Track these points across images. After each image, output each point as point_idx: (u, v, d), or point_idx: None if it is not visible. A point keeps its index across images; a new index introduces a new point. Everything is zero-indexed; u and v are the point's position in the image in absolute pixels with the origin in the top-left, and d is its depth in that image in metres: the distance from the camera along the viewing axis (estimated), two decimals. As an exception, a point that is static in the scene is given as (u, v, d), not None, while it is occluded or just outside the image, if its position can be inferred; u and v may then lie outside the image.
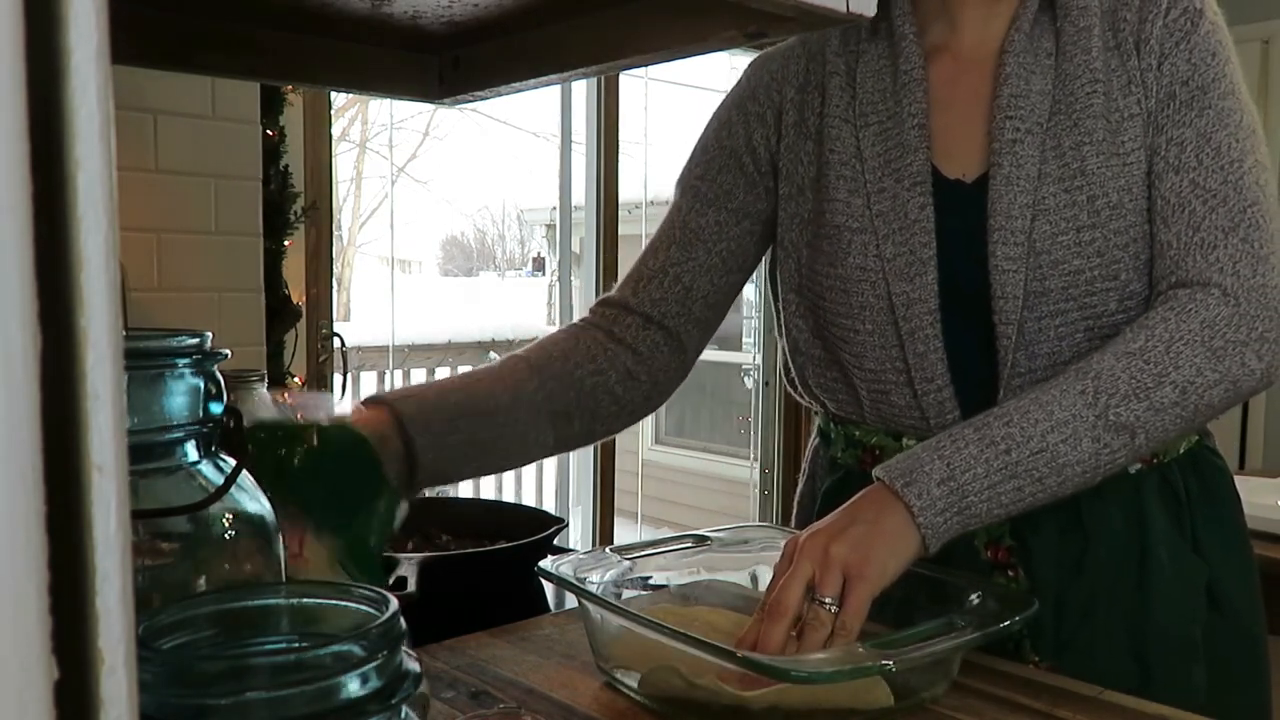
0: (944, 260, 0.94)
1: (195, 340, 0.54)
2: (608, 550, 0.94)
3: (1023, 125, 0.92)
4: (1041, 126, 0.92)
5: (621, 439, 3.47)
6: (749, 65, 1.11)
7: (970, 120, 0.96)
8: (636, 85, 4.50)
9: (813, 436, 1.13)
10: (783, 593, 0.77)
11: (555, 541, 1.16)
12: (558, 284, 3.74)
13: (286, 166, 2.36)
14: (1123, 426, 0.84)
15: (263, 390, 0.89)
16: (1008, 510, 0.84)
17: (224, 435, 0.56)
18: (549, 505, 4.22)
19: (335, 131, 2.76)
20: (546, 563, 0.88)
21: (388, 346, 4.21)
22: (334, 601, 0.45)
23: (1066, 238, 0.90)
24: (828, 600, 0.77)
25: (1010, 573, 0.95)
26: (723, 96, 1.11)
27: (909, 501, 0.81)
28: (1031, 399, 0.85)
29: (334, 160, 2.74)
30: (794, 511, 1.16)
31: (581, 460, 3.49)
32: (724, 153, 1.08)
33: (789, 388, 1.11)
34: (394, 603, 0.42)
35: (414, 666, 0.41)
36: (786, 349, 1.08)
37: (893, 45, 0.99)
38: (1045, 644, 0.93)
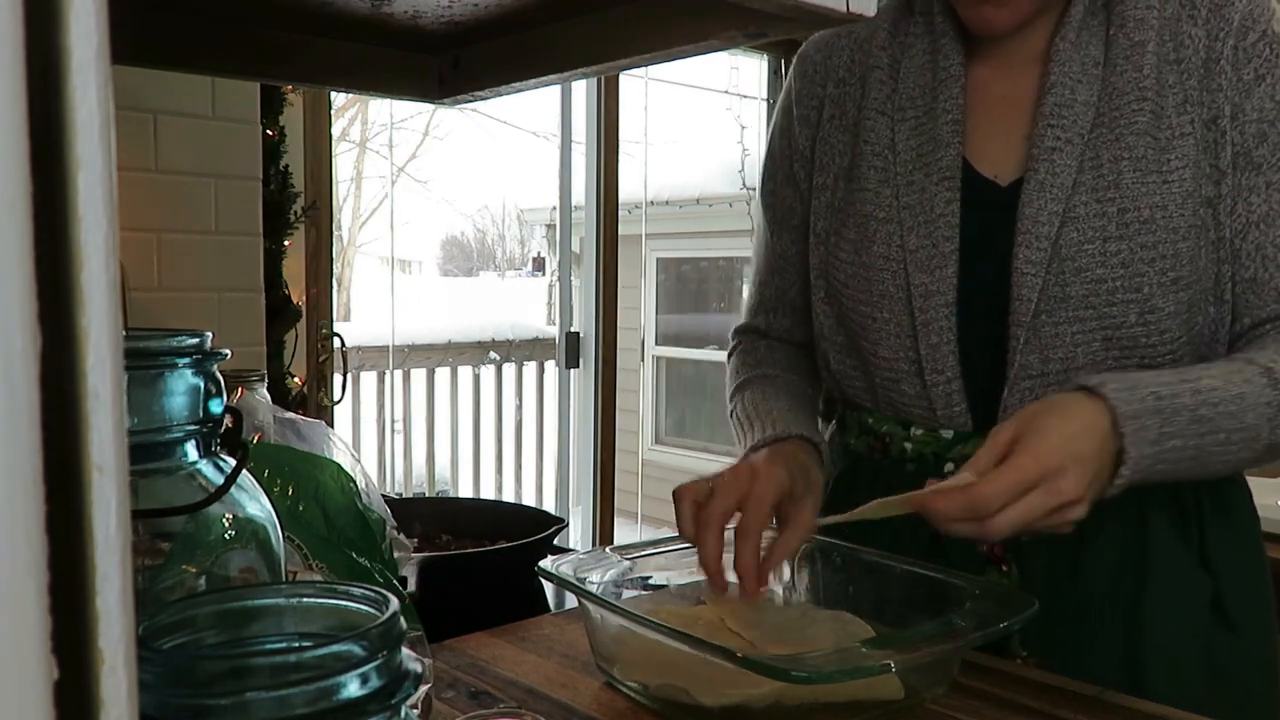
0: (965, 256, 0.94)
1: (195, 340, 0.54)
2: (608, 550, 0.94)
3: (1064, 135, 0.91)
4: (1082, 137, 0.91)
5: (621, 439, 3.47)
6: (795, 59, 1.12)
7: (1009, 122, 0.96)
8: (636, 85, 4.51)
9: (830, 424, 1.14)
10: (998, 489, 0.76)
11: (555, 541, 1.16)
12: (558, 284, 3.74)
13: (286, 166, 2.36)
14: (1274, 447, 0.86)
15: (263, 390, 0.89)
16: (1164, 478, 0.84)
17: (224, 435, 0.56)
18: (549, 505, 4.22)
19: (335, 131, 2.76)
20: (546, 563, 0.88)
21: (388, 346, 4.21)
22: (334, 601, 0.44)
23: (1093, 246, 0.89)
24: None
25: (1004, 567, 0.95)
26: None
27: (1125, 449, 0.80)
28: (1235, 391, 0.83)
29: (334, 160, 2.75)
30: None
31: (581, 460, 3.48)
32: (781, 163, 1.12)
33: (823, 370, 1.12)
34: (394, 602, 0.42)
35: (414, 666, 0.40)
36: (815, 335, 1.09)
37: (934, 41, 1.00)
38: (1034, 641, 0.92)
